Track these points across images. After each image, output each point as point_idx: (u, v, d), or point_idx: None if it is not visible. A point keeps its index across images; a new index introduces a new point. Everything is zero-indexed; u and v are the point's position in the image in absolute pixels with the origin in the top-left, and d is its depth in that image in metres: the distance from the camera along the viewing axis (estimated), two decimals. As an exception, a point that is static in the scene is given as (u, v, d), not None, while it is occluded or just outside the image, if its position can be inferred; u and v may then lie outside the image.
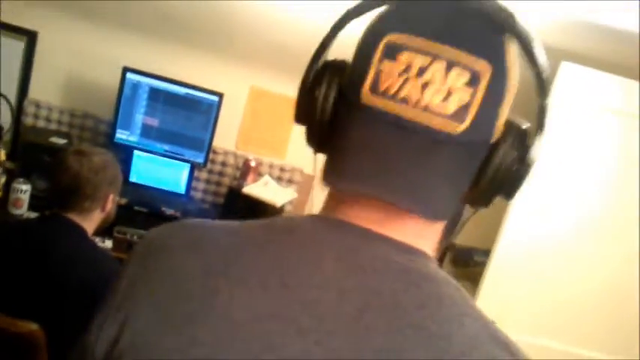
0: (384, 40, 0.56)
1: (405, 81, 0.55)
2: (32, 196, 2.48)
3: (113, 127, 2.76)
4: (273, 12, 2.54)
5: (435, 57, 0.54)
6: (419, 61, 0.54)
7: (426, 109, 0.55)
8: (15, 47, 2.81)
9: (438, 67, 0.54)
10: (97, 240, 2.33)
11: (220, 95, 2.77)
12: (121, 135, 2.77)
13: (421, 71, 0.54)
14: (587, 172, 2.30)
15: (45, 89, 2.88)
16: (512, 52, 0.58)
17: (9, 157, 2.63)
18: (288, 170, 3.07)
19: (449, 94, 0.54)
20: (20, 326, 1.55)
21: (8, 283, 1.63)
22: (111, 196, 1.86)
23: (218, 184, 3.05)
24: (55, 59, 2.86)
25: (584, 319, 2.39)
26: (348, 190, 0.59)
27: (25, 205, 2.47)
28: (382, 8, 0.60)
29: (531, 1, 2.11)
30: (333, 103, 0.62)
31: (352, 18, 0.63)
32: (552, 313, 2.40)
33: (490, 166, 0.59)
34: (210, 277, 0.57)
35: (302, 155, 2.99)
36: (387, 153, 0.57)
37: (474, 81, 0.54)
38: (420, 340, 0.52)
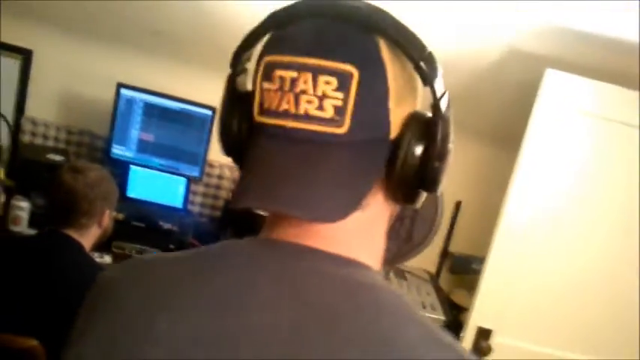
0: (262, 63, 0.61)
1: (282, 96, 0.59)
2: (31, 213, 2.50)
3: (109, 142, 2.79)
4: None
5: (300, 69, 0.58)
6: (288, 75, 0.58)
7: (305, 117, 0.58)
8: (11, 66, 2.84)
9: (306, 77, 0.57)
10: (96, 255, 2.34)
11: (214, 109, 2.80)
12: (118, 150, 2.79)
13: (292, 84, 0.58)
14: (577, 178, 2.32)
15: (41, 107, 2.91)
16: (388, 49, 0.60)
17: (7, 174, 2.66)
18: (283, 181, 3.09)
19: (322, 100, 0.57)
20: (20, 342, 1.57)
21: (8, 299, 1.65)
22: (107, 212, 1.89)
23: (215, 197, 3.08)
24: (51, 77, 2.89)
25: (582, 325, 2.39)
26: (241, 208, 0.61)
27: (25, 223, 2.49)
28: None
29: (516, 7, 2.15)
30: (238, 129, 0.66)
31: (242, 52, 0.67)
32: (550, 320, 2.41)
33: (396, 161, 0.60)
34: (148, 308, 0.59)
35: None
36: (272, 165, 0.60)
37: (342, 84, 0.57)
38: (362, 347, 0.54)
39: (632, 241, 2.33)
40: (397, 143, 0.60)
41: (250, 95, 0.64)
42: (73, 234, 1.80)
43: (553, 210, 2.32)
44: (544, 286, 2.39)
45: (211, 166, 2.99)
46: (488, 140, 2.81)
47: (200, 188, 3.04)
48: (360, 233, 0.64)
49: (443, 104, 0.60)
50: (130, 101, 2.76)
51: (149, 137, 2.80)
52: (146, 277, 0.63)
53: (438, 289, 2.87)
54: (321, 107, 0.57)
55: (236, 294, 0.58)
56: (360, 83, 0.57)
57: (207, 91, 2.88)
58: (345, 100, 0.57)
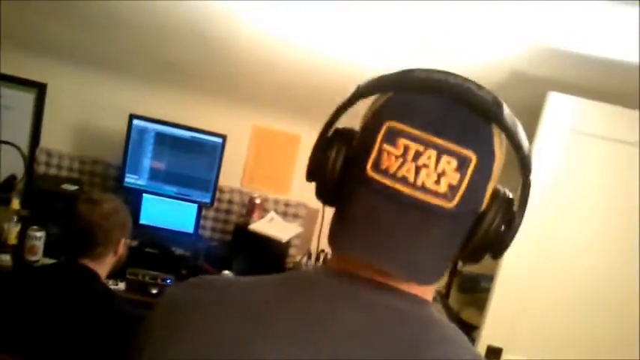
0: (385, 126, 0.65)
1: (403, 163, 0.63)
2: (47, 243, 2.55)
3: (122, 171, 2.85)
4: (271, 55, 2.63)
5: (427, 145, 0.63)
6: (414, 147, 0.63)
7: (421, 188, 0.63)
8: (26, 99, 2.93)
9: (430, 154, 0.63)
10: (110, 282, 2.39)
11: (224, 137, 2.86)
12: (130, 179, 2.86)
13: (416, 156, 0.63)
14: (583, 197, 2.34)
15: (55, 138, 2.99)
16: (498, 137, 0.67)
17: (23, 204, 2.71)
18: (292, 205, 3.14)
19: (440, 177, 0.63)
20: (39, 371, 1.61)
21: (28, 329, 1.69)
22: (122, 240, 1.93)
23: (225, 221, 3.12)
24: (64, 109, 2.97)
25: (593, 343, 2.39)
26: (355, 259, 0.67)
27: (40, 252, 2.54)
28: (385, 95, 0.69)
29: (518, 31, 2.19)
30: (340, 168, 0.71)
31: (363, 97, 0.72)
32: (560, 338, 2.41)
33: (479, 231, 0.68)
34: (243, 328, 0.64)
35: (305, 190, 3.06)
36: (388, 227, 0.64)
37: (461, 166, 0.63)
38: None
39: (636, 258, 2.34)
40: (483, 216, 0.68)
41: (358, 143, 0.69)
42: (89, 263, 1.84)
43: (559, 229, 2.34)
44: (554, 304, 2.40)
45: (221, 191, 3.04)
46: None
47: (211, 213, 3.09)
48: (428, 287, 0.71)
49: (529, 192, 0.70)
50: (142, 131, 2.82)
51: (161, 165, 2.86)
52: (231, 300, 0.68)
53: (448, 308, 2.89)
54: (437, 182, 0.63)
55: (324, 325, 0.64)
56: (475, 168, 0.64)
57: (217, 118, 2.97)
58: (461, 181, 0.63)
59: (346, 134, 0.72)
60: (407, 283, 0.67)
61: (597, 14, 1.97)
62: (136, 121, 2.81)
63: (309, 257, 2.99)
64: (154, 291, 2.53)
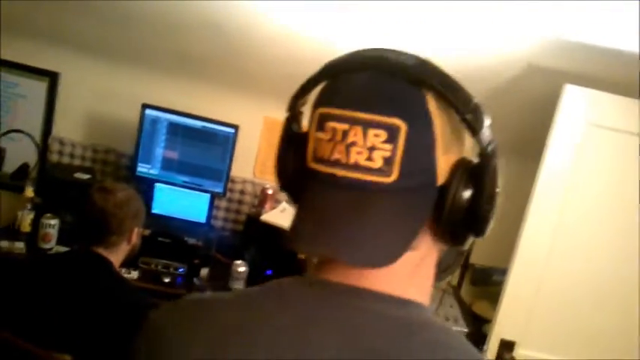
0: (317, 114, 0.65)
1: (334, 146, 0.62)
2: (60, 230, 2.57)
3: (134, 161, 2.86)
4: (284, 47, 2.62)
5: (352, 122, 0.61)
6: (340, 127, 0.62)
7: (355, 167, 0.61)
8: (38, 88, 2.94)
9: (357, 130, 0.61)
10: (124, 271, 2.40)
11: (236, 127, 2.86)
12: (143, 168, 2.86)
13: (344, 136, 0.61)
14: (598, 190, 2.32)
15: (68, 127, 3.00)
16: (435, 101, 0.62)
17: (36, 193, 2.72)
18: (304, 196, 3.13)
19: (371, 151, 0.60)
20: (55, 358, 1.62)
21: (42, 315, 1.70)
22: (136, 229, 1.94)
23: (237, 212, 3.13)
24: (77, 98, 2.98)
25: (607, 337, 2.38)
26: (301, 252, 0.65)
27: (54, 240, 2.56)
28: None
29: (534, 23, 2.17)
30: (293, 167, 0.71)
31: (297, 101, 0.73)
32: (574, 331, 2.40)
33: (445, 206, 0.62)
34: (213, 349, 0.62)
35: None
36: (323, 212, 0.63)
37: (391, 137, 0.60)
38: None
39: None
40: (445, 189, 0.63)
41: (304, 138, 0.68)
42: (104, 252, 1.85)
43: (574, 222, 2.33)
44: (567, 297, 2.39)
45: (233, 181, 3.04)
46: (508, 153, 2.82)
47: (223, 203, 3.09)
48: (411, 273, 0.66)
49: (489, 152, 0.63)
50: (155, 121, 2.83)
51: (173, 155, 2.87)
52: (205, 322, 0.65)
53: (460, 301, 2.88)
54: (370, 158, 0.60)
55: (296, 334, 0.61)
56: (407, 135, 0.60)
57: (230, 109, 2.96)
58: (394, 152, 0.60)
59: (298, 136, 0.71)
60: (377, 279, 0.64)
61: (613, 6, 1.95)
62: (148, 111, 2.81)
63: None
64: (167, 280, 2.54)
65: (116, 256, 1.90)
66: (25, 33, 2.83)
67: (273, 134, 3.09)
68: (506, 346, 2.39)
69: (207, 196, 2.91)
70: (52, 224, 2.55)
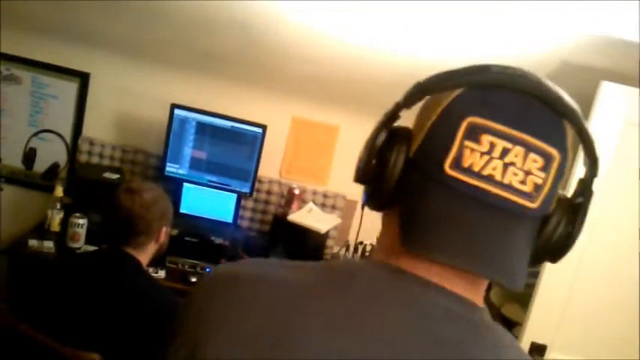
0: (465, 122, 0.61)
1: (489, 161, 0.60)
2: (89, 230, 2.60)
3: (163, 161, 2.87)
4: (311, 47, 2.61)
5: (515, 142, 0.60)
6: (501, 144, 0.60)
7: (508, 187, 0.61)
8: (69, 88, 2.97)
9: (519, 151, 0.60)
10: (151, 270, 2.41)
11: (264, 127, 2.85)
12: (171, 168, 2.87)
13: (504, 153, 0.60)
14: (635, 190, 2.26)
15: (98, 127, 3.02)
16: (571, 137, 0.64)
17: (65, 192, 2.76)
18: (330, 196, 3.12)
19: (526, 175, 0.61)
20: (83, 356, 1.63)
21: (71, 314, 1.71)
22: (163, 229, 1.93)
23: (264, 212, 3.12)
24: (107, 99, 3.00)
25: (637, 339, 2.33)
26: (441, 262, 0.63)
27: (83, 239, 2.59)
28: (456, 91, 0.65)
29: (569, 20, 2.12)
30: (400, 172, 0.66)
31: (427, 94, 0.68)
32: (606, 335, 2.35)
33: (544, 235, 0.65)
34: (284, 312, 0.62)
35: (344, 181, 3.04)
36: (474, 229, 0.61)
37: (547, 165, 0.61)
38: None
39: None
40: (549, 218, 0.65)
41: (428, 141, 0.64)
42: (132, 251, 1.85)
43: (609, 222, 2.27)
44: (599, 300, 2.34)
45: (260, 181, 3.03)
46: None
47: (249, 203, 3.09)
48: (481, 286, 0.67)
49: (592, 193, 0.68)
50: (183, 121, 2.84)
51: (201, 155, 2.87)
52: (273, 278, 0.66)
53: (490, 304, 2.84)
54: (524, 182, 0.61)
55: (367, 314, 0.61)
56: (558, 167, 0.62)
57: (257, 109, 2.96)
58: (545, 180, 0.61)
59: (404, 134, 0.67)
60: (455, 282, 0.63)
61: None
62: (177, 111, 2.82)
63: (347, 249, 2.97)
64: (193, 279, 2.55)
65: (144, 256, 1.90)
66: (55, 34, 2.87)
67: (300, 134, 3.08)
68: (538, 350, 2.34)
69: (235, 196, 2.91)
70: (80, 224, 2.57)
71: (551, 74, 2.43)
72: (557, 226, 0.65)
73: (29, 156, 2.94)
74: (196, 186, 2.88)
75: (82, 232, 2.58)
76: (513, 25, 2.21)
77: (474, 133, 0.61)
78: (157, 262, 2.18)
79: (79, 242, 2.58)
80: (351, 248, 2.94)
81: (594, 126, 2.20)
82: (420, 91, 0.67)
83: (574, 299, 2.32)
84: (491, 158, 0.60)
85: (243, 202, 3.02)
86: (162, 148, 2.86)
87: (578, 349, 2.35)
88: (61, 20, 2.78)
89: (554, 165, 0.61)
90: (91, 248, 2.49)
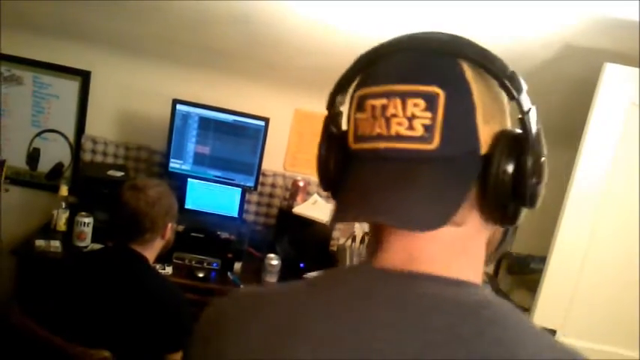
0: (355, 97, 0.66)
1: (374, 122, 0.63)
2: (95, 228, 2.60)
3: (167, 157, 2.87)
4: (312, 38, 2.60)
5: (389, 95, 0.62)
6: (379, 102, 0.63)
7: (396, 137, 0.61)
8: (70, 87, 2.97)
9: (395, 102, 0.61)
10: (158, 267, 2.42)
11: (267, 120, 2.84)
12: (175, 164, 2.87)
13: (383, 110, 0.62)
14: (634, 169, 2.25)
15: (100, 125, 3.02)
16: (471, 70, 0.63)
17: (70, 191, 2.76)
18: (336, 188, 3.10)
19: (411, 120, 0.61)
20: (93, 354, 1.63)
21: (80, 312, 1.72)
22: (169, 225, 1.93)
23: (269, 205, 3.12)
24: (108, 96, 3.00)
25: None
26: (341, 221, 0.65)
27: (89, 237, 2.59)
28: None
29: (571, 2, 2.11)
30: (335, 164, 0.71)
31: (336, 95, 0.73)
32: (615, 319, 2.34)
33: (489, 176, 0.61)
34: (274, 336, 0.62)
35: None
36: (369, 183, 0.63)
37: (430, 104, 0.60)
38: None
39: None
40: (488, 159, 0.62)
41: (345, 132, 0.69)
42: (138, 248, 1.85)
43: (616, 206, 2.26)
44: (608, 284, 2.33)
45: (264, 175, 3.03)
46: (547, 136, 2.74)
47: (254, 197, 3.09)
48: (461, 252, 0.65)
49: (531, 119, 0.62)
50: (186, 116, 2.83)
51: (205, 150, 2.87)
52: (262, 307, 0.67)
53: (498, 291, 2.83)
54: (411, 127, 0.61)
55: (357, 324, 0.60)
56: (446, 102, 0.60)
57: (259, 102, 2.95)
58: (434, 119, 0.60)
59: (337, 135, 0.72)
60: (430, 261, 0.63)
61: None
62: (179, 106, 2.81)
63: (354, 240, 2.96)
64: (201, 275, 2.55)
65: (151, 252, 1.90)
66: (54, 33, 2.86)
67: (303, 126, 3.07)
68: (548, 335, 2.34)
69: (239, 190, 2.91)
70: (86, 222, 2.58)
71: (554, 57, 2.42)
72: (498, 162, 0.61)
73: (33, 156, 2.95)
74: (201, 181, 2.88)
75: (89, 230, 2.59)
76: (516, 8, 2.19)
77: (360, 104, 0.65)
78: (163, 258, 2.19)
79: (86, 241, 2.59)
80: (358, 239, 2.94)
81: (598, 108, 2.19)
82: (330, 95, 0.73)
83: (583, 284, 2.31)
84: (375, 118, 0.63)
85: (247, 196, 3.01)
86: (166, 145, 2.86)
87: (588, 333, 2.35)
88: (59, 19, 2.77)
89: (440, 101, 0.60)
90: (97, 247, 2.49)
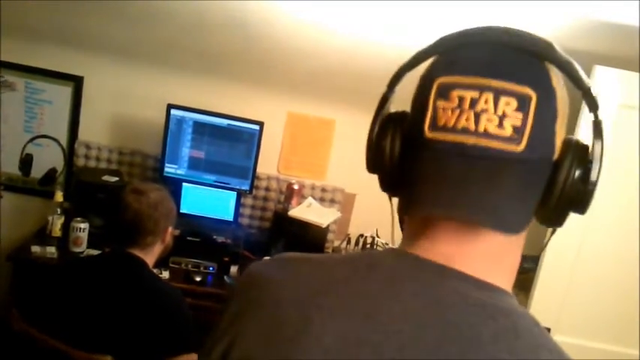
0: (436, 83, 0.64)
1: (460, 114, 0.61)
2: (90, 234, 2.59)
3: (161, 161, 2.87)
4: (304, 42, 2.62)
5: (482, 89, 0.61)
6: (469, 95, 0.61)
7: (484, 134, 0.60)
8: (63, 93, 2.97)
9: (487, 97, 0.60)
10: (155, 271, 2.41)
11: (261, 124, 2.86)
12: (170, 169, 2.88)
13: (473, 103, 0.61)
14: (632, 172, 2.29)
15: (94, 131, 3.02)
16: (555, 75, 0.63)
17: (65, 197, 2.75)
18: (329, 191, 3.13)
19: (502, 119, 0.60)
20: (96, 359, 1.64)
21: (81, 318, 1.72)
22: (169, 229, 1.95)
23: (263, 209, 3.13)
24: (102, 101, 3.00)
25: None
26: (427, 215, 0.65)
27: (85, 243, 2.59)
28: (430, 59, 0.68)
29: (560, 4, 2.15)
30: (400, 150, 0.69)
31: (405, 72, 0.71)
32: (609, 316, 2.38)
33: (556, 184, 0.62)
34: (304, 306, 0.64)
35: (342, 175, 3.06)
36: (458, 179, 0.62)
37: (522, 105, 0.60)
38: None
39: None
40: (558, 165, 0.63)
41: (412, 113, 0.67)
42: (138, 253, 1.86)
43: (607, 206, 2.29)
44: (601, 282, 2.36)
45: (258, 178, 3.04)
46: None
47: (249, 200, 3.10)
48: (499, 258, 0.66)
49: (603, 130, 0.64)
50: (180, 121, 2.84)
51: (199, 154, 2.88)
52: (298, 277, 0.69)
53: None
54: (500, 126, 0.60)
55: (383, 303, 0.62)
56: (537, 105, 0.61)
57: (253, 106, 2.97)
58: (524, 121, 0.60)
59: (397, 115, 0.70)
60: (466, 261, 0.63)
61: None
62: (174, 111, 2.82)
63: (349, 242, 2.98)
64: (198, 279, 2.56)
65: (150, 257, 1.92)
66: (47, 39, 2.86)
67: (296, 129, 3.09)
68: (542, 334, 2.36)
69: (234, 194, 2.92)
70: (82, 228, 2.57)
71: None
72: (569, 169, 0.62)
73: (26, 162, 2.94)
74: (196, 185, 2.88)
75: (84, 236, 2.58)
76: (506, 9, 2.22)
77: (444, 92, 0.63)
78: (160, 262, 2.19)
79: (82, 247, 2.58)
80: (352, 241, 2.96)
81: (588, 110, 2.23)
82: (399, 71, 0.71)
83: (576, 282, 2.35)
84: (462, 111, 0.61)
85: (242, 199, 3.03)
86: (160, 149, 2.86)
87: (582, 331, 2.38)
88: (52, 25, 2.77)
89: (532, 104, 0.60)
90: (93, 252, 2.49)
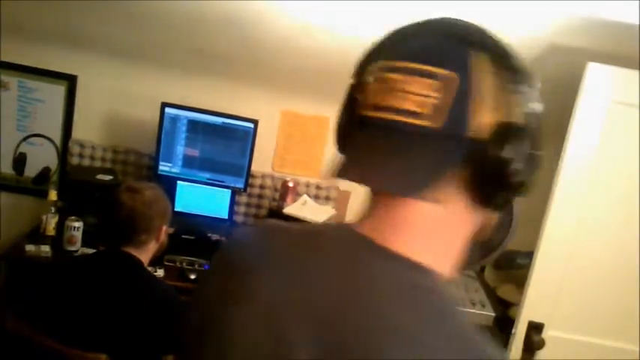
0: (375, 68, 0.70)
1: (387, 93, 0.67)
2: (84, 232, 2.58)
3: (156, 160, 2.87)
4: (299, 40, 2.62)
5: (411, 72, 0.66)
6: (396, 77, 0.67)
7: (405, 111, 0.65)
8: (56, 92, 2.96)
9: (414, 80, 0.66)
10: (150, 269, 2.41)
11: (255, 122, 2.86)
12: (164, 167, 2.87)
13: (399, 84, 0.66)
14: (625, 169, 2.30)
15: (87, 129, 3.01)
16: (480, 60, 0.66)
17: (58, 196, 2.74)
18: (324, 188, 3.13)
19: (424, 99, 0.65)
20: (90, 357, 1.64)
21: (76, 316, 1.72)
22: (164, 227, 1.95)
23: (258, 206, 3.13)
24: (95, 100, 2.99)
25: (635, 315, 2.37)
26: (340, 178, 0.70)
27: (79, 242, 2.58)
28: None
29: (557, 3, 2.15)
30: (344, 126, 0.76)
31: (368, 64, 0.74)
32: (603, 311, 2.39)
33: (478, 161, 0.65)
34: (250, 273, 0.71)
35: (337, 172, 3.06)
36: (366, 149, 0.69)
37: (444, 87, 0.64)
38: (402, 344, 0.61)
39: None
40: (485, 145, 0.65)
41: (352, 92, 0.74)
42: (133, 251, 1.86)
43: (601, 202, 2.31)
44: (595, 277, 2.37)
45: (253, 176, 3.04)
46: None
47: (243, 198, 3.10)
48: (434, 233, 0.69)
49: (532, 111, 0.68)
50: (175, 119, 2.83)
51: (194, 152, 2.88)
52: (264, 244, 0.76)
53: (485, 285, 2.88)
54: (423, 105, 0.65)
55: (315, 271, 0.68)
56: (458, 87, 0.64)
57: (247, 104, 2.97)
58: (443, 100, 0.64)
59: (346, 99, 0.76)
60: (397, 238, 0.67)
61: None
62: (168, 109, 2.81)
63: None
64: (192, 277, 2.56)
65: (145, 255, 1.92)
66: (40, 38, 2.85)
67: (291, 127, 3.09)
68: (535, 329, 2.37)
69: (229, 192, 2.92)
70: (76, 227, 2.56)
71: (538, 56, 2.46)
72: (492, 148, 0.64)
73: (19, 161, 2.93)
74: (190, 184, 2.88)
75: (79, 235, 2.57)
76: (501, 8, 2.23)
77: (380, 74, 0.69)
78: (155, 261, 2.19)
79: (76, 245, 2.57)
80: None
81: (581, 106, 2.24)
82: (363, 62, 0.75)
83: (570, 277, 2.36)
84: (389, 91, 0.67)
85: (237, 197, 3.03)
86: (154, 148, 2.86)
87: (576, 326, 2.39)
88: (45, 23, 2.76)
89: (453, 86, 0.64)
90: (88, 251, 2.49)
